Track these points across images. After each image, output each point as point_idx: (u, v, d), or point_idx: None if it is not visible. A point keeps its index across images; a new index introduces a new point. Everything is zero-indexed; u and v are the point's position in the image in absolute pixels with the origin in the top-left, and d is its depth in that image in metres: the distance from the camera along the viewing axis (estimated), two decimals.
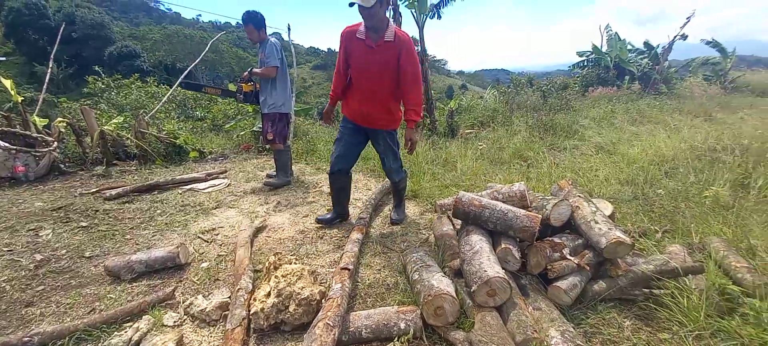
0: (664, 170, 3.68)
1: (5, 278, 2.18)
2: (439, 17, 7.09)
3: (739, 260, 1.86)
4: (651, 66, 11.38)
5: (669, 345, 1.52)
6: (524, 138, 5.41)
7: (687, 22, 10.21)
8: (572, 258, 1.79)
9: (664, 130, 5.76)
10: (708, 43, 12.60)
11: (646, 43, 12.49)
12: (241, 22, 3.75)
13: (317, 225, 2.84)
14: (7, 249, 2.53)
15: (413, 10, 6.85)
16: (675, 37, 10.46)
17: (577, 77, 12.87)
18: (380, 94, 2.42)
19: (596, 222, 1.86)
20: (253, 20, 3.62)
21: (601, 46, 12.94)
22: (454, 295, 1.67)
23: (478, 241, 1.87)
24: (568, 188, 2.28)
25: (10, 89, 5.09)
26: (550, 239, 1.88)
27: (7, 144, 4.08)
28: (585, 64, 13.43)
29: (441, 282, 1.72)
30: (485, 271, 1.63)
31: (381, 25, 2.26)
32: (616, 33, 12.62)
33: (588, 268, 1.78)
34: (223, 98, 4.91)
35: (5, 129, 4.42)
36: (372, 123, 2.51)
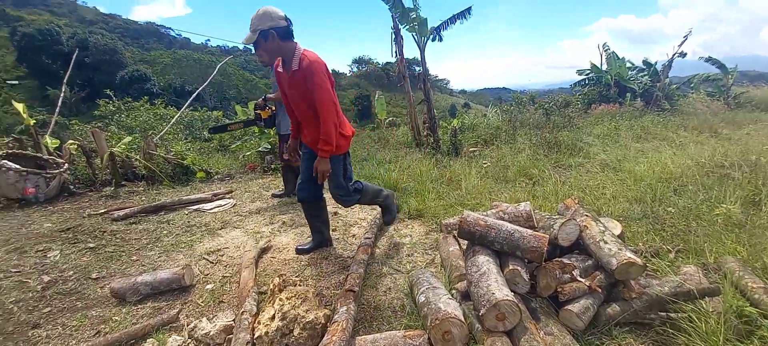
0: (672, 188, 3.63)
1: (13, 299, 2.18)
2: (440, 39, 7.24)
3: (755, 281, 1.81)
4: (652, 83, 11.43)
5: None
6: (528, 156, 5.40)
7: (684, 40, 10.30)
8: (583, 280, 1.75)
9: (669, 146, 5.73)
10: (707, 60, 12.68)
11: (645, 61, 12.60)
12: (251, 46, 3.86)
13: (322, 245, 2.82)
14: (15, 270, 2.53)
15: (414, 34, 7.02)
16: (674, 54, 10.55)
17: (579, 95, 12.95)
18: (308, 121, 2.35)
19: (605, 242, 1.83)
20: None
21: (601, 65, 13.07)
22: (463, 319, 1.63)
23: (485, 262, 1.84)
24: (575, 207, 2.26)
25: (22, 112, 5.24)
26: (559, 259, 1.85)
27: (18, 166, 4.16)
28: (586, 82, 13.53)
29: (448, 305, 1.69)
30: (493, 293, 1.60)
31: (287, 56, 2.19)
32: (613, 52, 12.76)
33: (600, 290, 1.74)
34: (247, 127, 5.04)
35: (16, 152, 4.52)
36: (315, 148, 2.33)
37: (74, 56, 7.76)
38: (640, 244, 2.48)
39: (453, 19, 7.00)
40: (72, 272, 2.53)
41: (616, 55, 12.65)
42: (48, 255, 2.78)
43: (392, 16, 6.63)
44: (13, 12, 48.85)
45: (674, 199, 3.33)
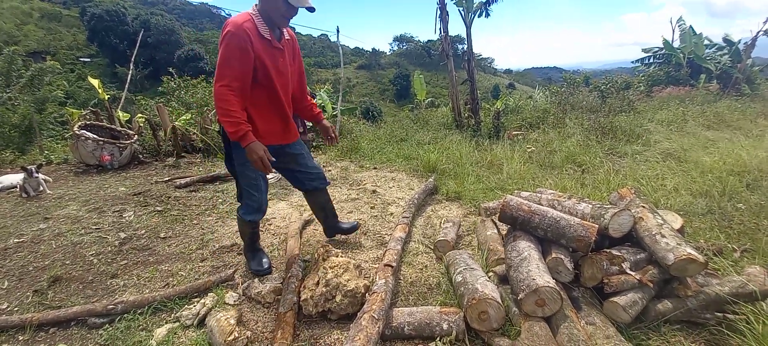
0: (745, 182, 3.27)
1: (93, 252, 2.53)
2: (488, 15, 6.90)
3: None
4: (731, 64, 10.06)
5: None
6: (579, 141, 5.08)
7: None
8: (633, 273, 1.67)
9: (746, 136, 5.10)
10: None
11: (726, 39, 11.05)
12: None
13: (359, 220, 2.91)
14: (95, 227, 2.92)
15: (461, 9, 6.74)
16: (759, 32, 9.13)
17: (642, 76, 11.75)
18: (288, 106, 2.03)
19: (663, 236, 1.72)
20: None
21: (673, 41, 11.68)
22: (500, 301, 1.64)
23: (526, 247, 1.82)
24: (630, 197, 2.12)
25: (98, 88, 5.85)
26: (608, 250, 1.77)
27: (95, 136, 4.70)
28: (651, 61, 12.21)
29: (486, 286, 1.70)
30: (534, 279, 1.59)
31: (276, 17, 1.84)
32: (690, 26, 11.30)
33: (651, 285, 1.65)
34: None
35: (94, 123, 5.09)
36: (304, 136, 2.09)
37: (140, 36, 8.45)
38: (702, 240, 2.30)
39: None
40: (144, 230, 2.87)
41: (693, 31, 11.20)
42: (123, 215, 3.16)
43: None
44: None
45: (746, 194, 3.00)
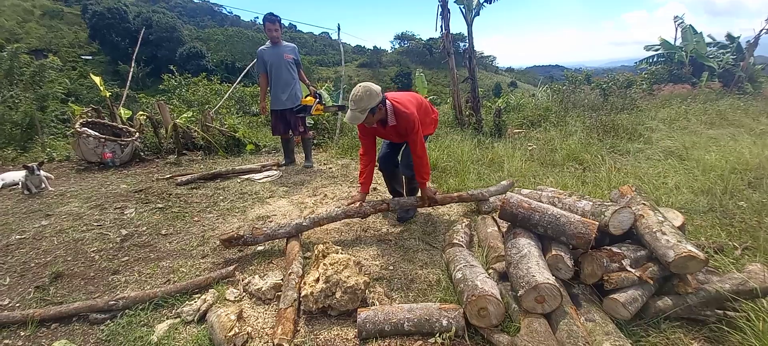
0: (747, 180, 3.26)
1: (95, 249, 2.54)
2: (489, 1, 6.80)
3: None
4: (734, 62, 10.01)
5: None
6: (580, 139, 5.07)
7: None
8: (633, 270, 1.67)
9: (748, 135, 5.07)
10: None
11: (729, 36, 11.00)
12: (272, 19, 4.18)
13: (361, 219, 2.91)
14: (97, 224, 2.93)
15: (462, 7, 6.71)
16: (762, 30, 9.08)
17: (644, 74, 11.70)
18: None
19: (663, 233, 1.71)
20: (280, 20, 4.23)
21: (675, 40, 11.62)
22: (499, 297, 1.64)
23: (526, 244, 1.82)
24: (630, 195, 2.12)
25: (99, 85, 5.85)
26: (608, 247, 1.77)
27: (97, 133, 4.70)
28: (654, 59, 12.16)
29: (485, 283, 1.71)
30: (533, 276, 1.59)
31: (384, 115, 2.55)
32: (690, 25, 11.25)
33: (651, 282, 1.65)
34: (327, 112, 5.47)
35: (96, 120, 5.10)
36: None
37: (141, 34, 8.44)
38: (703, 238, 2.29)
39: None
40: (145, 227, 2.88)
41: (694, 29, 11.15)
42: (125, 212, 3.17)
43: None
44: None
45: (748, 192, 2.99)
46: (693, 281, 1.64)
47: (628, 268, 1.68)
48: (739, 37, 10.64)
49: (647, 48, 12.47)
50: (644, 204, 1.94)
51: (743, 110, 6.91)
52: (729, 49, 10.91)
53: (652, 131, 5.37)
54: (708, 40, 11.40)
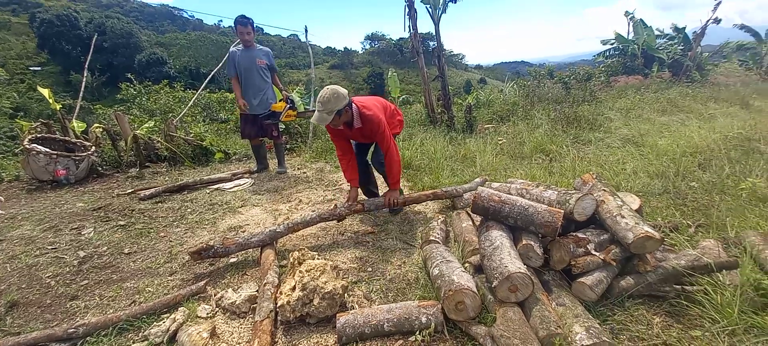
0: (697, 162, 3.52)
1: (50, 274, 2.36)
2: (454, 1, 6.92)
3: None
4: (683, 52, 10.80)
5: (701, 342, 1.47)
6: (546, 131, 5.28)
7: (718, 4, 9.58)
8: (597, 253, 1.75)
9: (697, 119, 5.48)
10: (741, 27, 11.86)
11: (675, 27, 11.86)
12: (243, 22, 4.05)
13: (337, 222, 2.89)
14: (51, 247, 2.72)
15: (428, 6, 6.80)
16: (708, 20, 9.84)
17: (602, 67, 12.39)
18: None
19: (623, 216, 1.82)
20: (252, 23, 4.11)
21: (628, 34, 12.39)
22: (476, 290, 1.67)
23: (498, 236, 1.86)
24: (592, 182, 2.23)
25: (48, 98, 5.45)
26: (574, 234, 1.85)
27: (48, 150, 4.37)
28: (609, 53, 12.90)
29: (461, 277, 1.73)
30: (506, 266, 1.63)
31: (350, 117, 2.66)
32: (640, 20, 12.04)
33: (614, 263, 1.74)
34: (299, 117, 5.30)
35: (46, 135, 4.74)
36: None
37: (93, 41, 7.92)
38: (660, 219, 2.45)
39: None
40: (106, 247, 2.70)
41: (644, 23, 11.93)
42: (82, 233, 2.96)
43: None
44: None
45: (698, 173, 3.23)
46: (652, 260, 1.75)
47: (593, 252, 1.76)
48: (684, 28, 11.46)
49: (603, 42, 13.21)
50: (605, 190, 2.05)
51: (692, 97, 7.46)
52: (677, 40, 11.75)
53: (611, 121, 5.68)
54: (657, 32, 12.23)
